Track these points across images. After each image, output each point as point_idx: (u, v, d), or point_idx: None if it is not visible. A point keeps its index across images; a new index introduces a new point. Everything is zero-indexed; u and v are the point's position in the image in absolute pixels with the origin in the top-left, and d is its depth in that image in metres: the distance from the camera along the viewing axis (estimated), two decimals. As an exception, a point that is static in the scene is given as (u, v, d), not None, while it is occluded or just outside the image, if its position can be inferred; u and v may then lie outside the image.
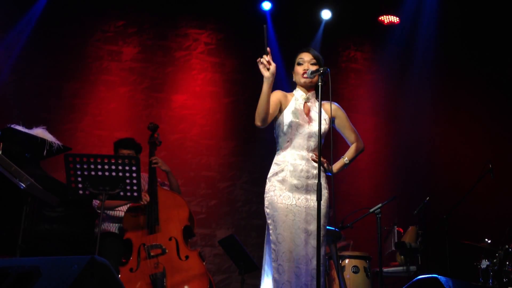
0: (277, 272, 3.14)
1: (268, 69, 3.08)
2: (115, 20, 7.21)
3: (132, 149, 4.79)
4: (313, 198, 3.25)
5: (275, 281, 3.14)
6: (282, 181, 3.27)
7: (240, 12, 7.52)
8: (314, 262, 3.14)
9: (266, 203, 3.30)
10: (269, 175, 3.35)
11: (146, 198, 4.43)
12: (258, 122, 3.24)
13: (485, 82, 7.83)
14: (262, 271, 3.33)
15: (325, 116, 3.41)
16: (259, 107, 3.18)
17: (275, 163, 3.36)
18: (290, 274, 3.12)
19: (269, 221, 3.26)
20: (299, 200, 3.26)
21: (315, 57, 3.43)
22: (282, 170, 3.29)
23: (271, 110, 3.25)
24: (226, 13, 7.50)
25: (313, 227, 3.20)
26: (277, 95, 3.37)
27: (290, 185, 3.26)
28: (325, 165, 3.36)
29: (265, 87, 3.13)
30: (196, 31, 7.47)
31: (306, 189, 3.28)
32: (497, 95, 7.82)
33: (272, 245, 3.19)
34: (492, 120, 7.77)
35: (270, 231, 3.23)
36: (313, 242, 3.17)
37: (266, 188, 3.35)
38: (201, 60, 7.40)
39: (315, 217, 3.17)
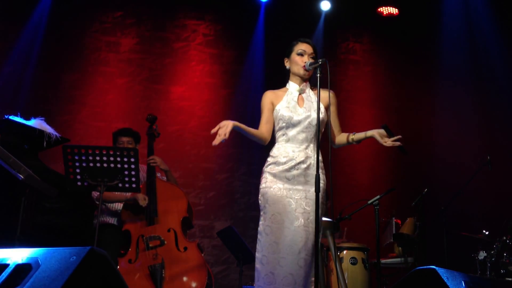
0: (260, 262, 3.18)
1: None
2: (113, 11, 7.18)
3: (131, 136, 4.78)
4: (305, 189, 3.24)
5: (257, 271, 3.18)
6: (274, 173, 3.29)
7: (239, 3, 7.50)
8: (304, 252, 3.12)
9: (259, 194, 3.35)
10: (264, 167, 3.40)
11: (146, 201, 4.41)
12: (265, 143, 3.44)
13: (484, 75, 7.81)
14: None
15: (321, 106, 3.37)
16: (255, 140, 3.41)
17: (270, 156, 3.40)
18: (274, 265, 3.12)
19: (261, 212, 3.31)
20: (290, 191, 3.25)
21: (315, 51, 3.45)
22: (275, 163, 3.32)
23: (268, 117, 3.43)
24: (225, 4, 7.47)
25: (302, 218, 3.18)
26: (268, 98, 3.46)
27: (281, 177, 3.28)
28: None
29: (243, 131, 3.36)
30: (194, 22, 7.44)
31: (298, 181, 3.27)
32: (495, 87, 7.81)
33: (259, 236, 3.24)
34: (490, 112, 7.76)
35: (260, 222, 3.27)
36: (302, 232, 3.15)
37: (260, 179, 3.39)
38: (200, 51, 7.37)
39: (306, 208, 3.20)
